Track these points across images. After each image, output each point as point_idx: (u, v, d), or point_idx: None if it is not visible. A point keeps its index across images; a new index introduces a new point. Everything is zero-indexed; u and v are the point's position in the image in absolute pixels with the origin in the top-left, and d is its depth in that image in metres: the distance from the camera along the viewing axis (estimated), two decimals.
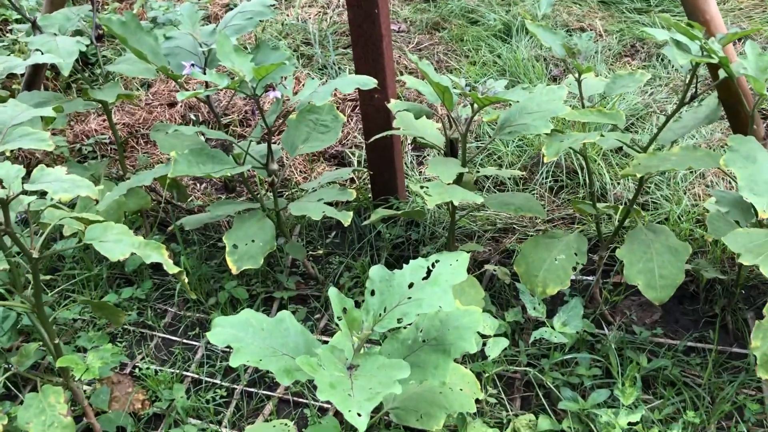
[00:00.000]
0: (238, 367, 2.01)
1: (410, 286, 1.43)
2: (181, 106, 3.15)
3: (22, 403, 1.90)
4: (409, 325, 1.47)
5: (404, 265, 1.47)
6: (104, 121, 3.09)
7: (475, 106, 1.72)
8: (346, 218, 1.96)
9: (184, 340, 2.14)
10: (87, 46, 2.00)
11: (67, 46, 1.92)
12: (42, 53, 1.81)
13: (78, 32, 2.23)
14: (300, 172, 2.84)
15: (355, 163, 2.84)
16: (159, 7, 3.79)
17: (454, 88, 1.67)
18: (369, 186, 2.55)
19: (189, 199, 2.68)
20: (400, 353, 1.47)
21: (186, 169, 1.78)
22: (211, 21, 3.81)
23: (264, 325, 1.46)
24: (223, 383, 1.98)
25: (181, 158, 1.78)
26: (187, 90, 1.75)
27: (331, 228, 2.55)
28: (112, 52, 3.53)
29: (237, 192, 2.75)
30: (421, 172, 2.76)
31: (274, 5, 2.09)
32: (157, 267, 2.41)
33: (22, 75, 2.63)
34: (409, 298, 1.41)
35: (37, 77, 2.54)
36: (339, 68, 3.36)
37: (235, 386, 1.98)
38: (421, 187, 1.69)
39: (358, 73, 2.16)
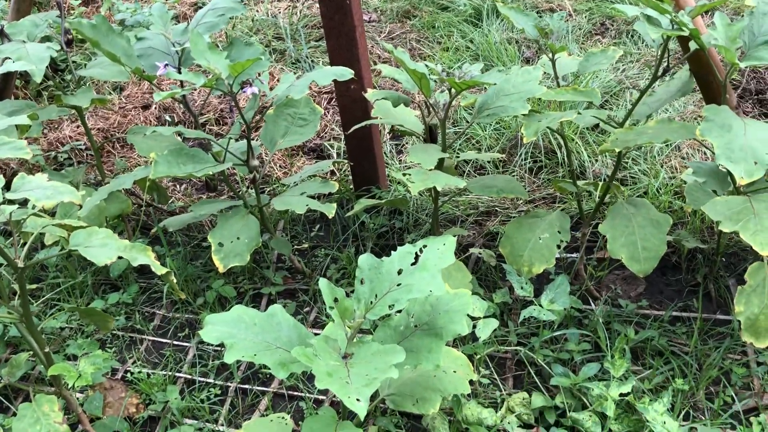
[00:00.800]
0: (231, 364, 2.02)
1: (399, 272, 1.44)
2: (155, 108, 3.12)
3: (14, 414, 1.89)
4: (399, 312, 1.49)
5: (392, 252, 1.48)
6: (78, 127, 3.06)
7: (453, 91, 1.72)
8: (330, 210, 1.96)
9: (175, 342, 2.14)
10: (57, 51, 1.97)
11: (38, 53, 1.89)
12: (13, 61, 1.79)
13: (46, 38, 2.20)
14: (280, 167, 2.84)
15: (335, 155, 2.84)
16: (126, 9, 3.75)
17: (431, 74, 1.68)
18: (350, 177, 2.56)
19: (170, 201, 2.66)
20: (393, 339, 1.48)
21: (167, 170, 1.77)
22: (180, 20, 3.78)
23: (256, 320, 1.46)
24: (216, 382, 1.98)
25: (161, 159, 1.77)
26: (162, 91, 1.74)
27: (314, 221, 2.55)
28: (81, 57, 3.48)
29: (218, 191, 2.74)
30: (401, 160, 2.77)
31: (244, 1, 2.08)
32: (142, 270, 2.40)
33: None
34: (399, 284, 1.43)
35: (7, 86, 2.50)
36: (312, 61, 3.35)
37: (229, 384, 1.98)
38: (404, 175, 1.70)
39: (333, 65, 2.16)
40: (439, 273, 1.40)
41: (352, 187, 2.54)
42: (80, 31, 1.83)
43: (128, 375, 2.02)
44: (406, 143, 2.88)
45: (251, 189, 2.27)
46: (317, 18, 3.65)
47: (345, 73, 1.84)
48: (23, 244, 1.89)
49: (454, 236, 1.50)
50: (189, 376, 2.01)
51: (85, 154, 2.95)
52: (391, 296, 1.41)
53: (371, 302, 1.42)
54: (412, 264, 1.44)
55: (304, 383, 1.95)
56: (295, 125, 2.17)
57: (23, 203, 1.57)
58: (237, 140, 2.23)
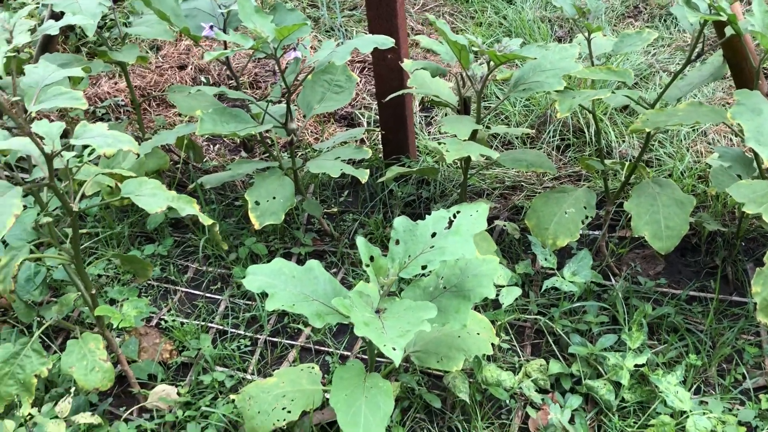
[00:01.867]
0: (261, 317, 2.11)
1: (433, 235, 1.51)
2: (191, 69, 3.19)
3: (56, 352, 2.00)
4: (428, 275, 1.56)
5: (426, 217, 1.55)
6: (116, 83, 3.13)
7: (491, 64, 1.78)
8: (363, 175, 2.03)
9: (207, 294, 2.23)
10: (108, 8, 2.04)
11: (91, 8, 1.96)
12: (72, 15, 1.86)
13: None
14: (311, 133, 2.90)
15: (365, 124, 2.90)
16: None
17: (471, 46, 1.73)
18: (380, 146, 2.62)
19: (204, 160, 2.74)
20: (422, 299, 1.55)
21: (211, 127, 1.84)
22: None
23: (295, 273, 1.54)
24: (247, 333, 2.07)
25: (206, 117, 1.84)
26: (206, 51, 1.80)
27: (343, 187, 2.62)
28: (120, 14, 3.54)
29: (254, 152, 2.81)
30: (429, 132, 2.83)
31: None
32: (176, 225, 2.49)
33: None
34: (432, 247, 1.50)
35: (52, 40, 2.57)
36: (346, 30, 3.40)
37: (259, 336, 2.07)
38: (439, 143, 1.76)
39: (372, 33, 2.21)
40: (471, 238, 1.47)
41: (381, 155, 2.61)
42: None
43: (162, 323, 2.11)
44: (436, 115, 2.93)
45: (284, 152, 2.34)
46: None
47: (386, 41, 1.89)
48: (68, 189, 1.98)
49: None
50: (220, 327, 2.10)
51: (122, 110, 3.03)
52: (424, 257, 1.48)
53: (405, 262, 1.49)
54: (446, 228, 1.51)
55: (330, 339, 2.04)
56: (331, 91, 2.23)
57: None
58: (274, 103, 2.29)
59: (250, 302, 2.18)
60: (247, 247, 2.32)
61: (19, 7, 3.47)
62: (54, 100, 1.56)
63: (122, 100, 3.01)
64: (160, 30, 2.23)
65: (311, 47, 3.21)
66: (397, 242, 1.51)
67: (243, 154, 2.82)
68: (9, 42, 1.50)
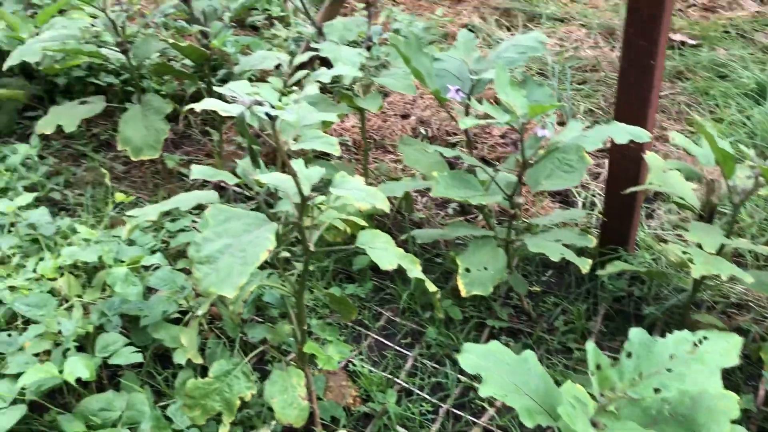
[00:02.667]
0: (448, 385, 2.06)
1: (671, 357, 1.38)
2: (413, 119, 3.27)
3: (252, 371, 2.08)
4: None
5: (658, 335, 1.42)
6: (342, 122, 3.29)
7: (760, 179, 1.62)
8: (585, 265, 1.94)
9: (397, 347, 2.22)
10: (365, 57, 2.14)
11: (351, 57, 2.06)
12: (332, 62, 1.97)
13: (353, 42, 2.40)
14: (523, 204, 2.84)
15: (580, 205, 2.79)
16: (402, 20, 3.97)
17: (744, 158, 1.59)
18: (593, 229, 2.50)
19: (414, 212, 2.77)
20: (642, 422, 1.42)
21: (444, 191, 1.85)
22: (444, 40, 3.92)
23: (509, 359, 1.47)
24: (431, 399, 2.03)
25: (441, 180, 1.86)
26: (451, 111, 1.82)
27: (547, 266, 2.53)
28: None
29: (468, 214, 2.80)
30: (649, 225, 2.65)
31: (546, 42, 2.11)
32: (377, 269, 2.52)
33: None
34: (669, 369, 1.36)
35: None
36: (572, 104, 3.32)
37: (441, 405, 2.02)
38: (684, 253, 1.63)
39: (618, 120, 2.12)
40: (718, 371, 1.32)
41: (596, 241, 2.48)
42: (395, 45, 1.97)
43: (350, 365, 2.13)
44: (657, 209, 2.76)
45: (493, 220, 2.31)
46: (584, 62, 3.61)
47: (642, 135, 1.79)
48: (296, 229, 2.08)
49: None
50: (405, 385, 2.08)
51: (342, 149, 3.16)
52: (658, 379, 1.35)
53: (635, 379, 1.37)
54: (687, 353, 1.37)
55: (515, 426, 1.94)
56: (560, 170, 2.17)
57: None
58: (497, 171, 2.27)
59: (437, 366, 2.15)
60: (443, 308, 2.29)
61: (271, 37, 3.79)
62: (311, 143, 1.63)
63: (349, 140, 3.15)
64: (405, 84, 2.29)
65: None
66: (629, 355, 1.39)
67: (449, 210, 2.82)
68: (286, 84, 1.60)
